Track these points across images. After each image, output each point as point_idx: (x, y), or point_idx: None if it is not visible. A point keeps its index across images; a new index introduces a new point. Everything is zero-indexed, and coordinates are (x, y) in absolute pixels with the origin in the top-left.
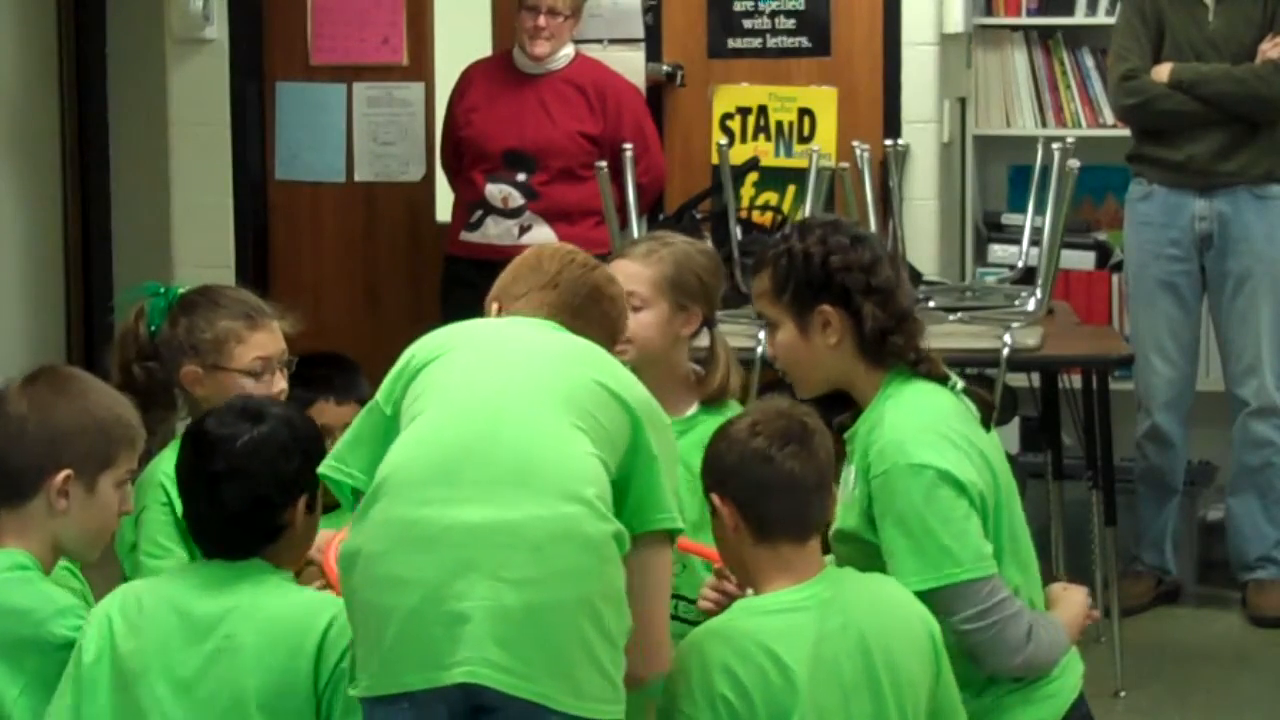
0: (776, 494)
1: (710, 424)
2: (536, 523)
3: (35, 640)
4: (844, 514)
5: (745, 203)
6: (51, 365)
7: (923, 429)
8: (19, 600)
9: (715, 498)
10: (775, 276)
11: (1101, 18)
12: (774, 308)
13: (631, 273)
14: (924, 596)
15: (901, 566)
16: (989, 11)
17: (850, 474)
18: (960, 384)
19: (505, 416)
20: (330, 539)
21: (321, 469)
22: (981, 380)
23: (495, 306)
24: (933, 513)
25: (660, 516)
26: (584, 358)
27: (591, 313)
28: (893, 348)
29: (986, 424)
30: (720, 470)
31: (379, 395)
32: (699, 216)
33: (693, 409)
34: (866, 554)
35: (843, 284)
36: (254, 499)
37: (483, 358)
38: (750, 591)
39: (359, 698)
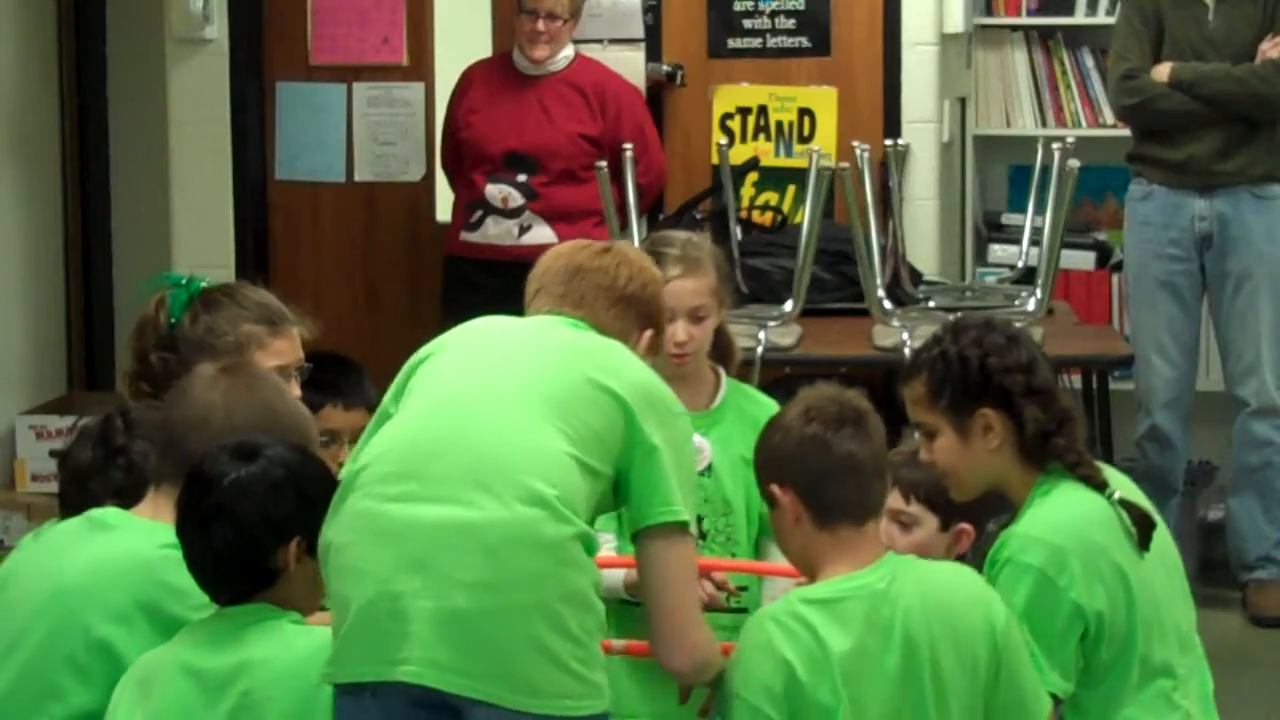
0: (836, 477)
1: (742, 397)
2: (492, 525)
3: (185, 621)
4: None
5: (745, 203)
6: (246, 361)
7: (1053, 530)
8: (177, 579)
9: (775, 488)
10: (931, 382)
11: (1101, 18)
12: (930, 414)
13: (691, 289)
14: None
15: None
16: (989, 11)
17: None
18: (1118, 494)
19: (478, 415)
20: None
21: (340, 475)
22: None
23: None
24: (1030, 618)
25: (661, 510)
26: (577, 353)
27: (588, 295)
28: (1054, 449)
29: (1144, 542)
30: (778, 460)
31: (386, 399)
32: (699, 216)
33: (720, 395)
34: None
35: (1003, 386)
36: (241, 540)
37: (470, 356)
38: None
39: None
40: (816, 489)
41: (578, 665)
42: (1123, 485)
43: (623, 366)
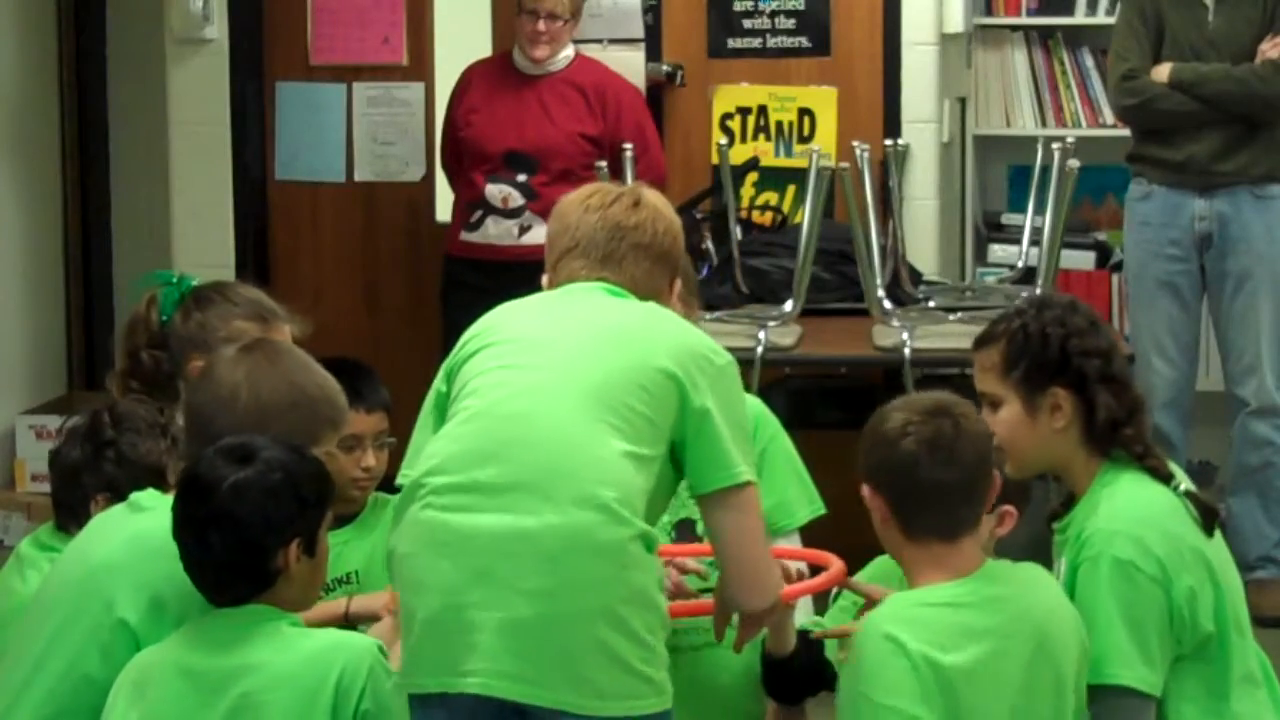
0: (922, 500)
1: None
2: (551, 532)
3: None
4: None
5: (745, 203)
6: (267, 339)
7: (1136, 523)
8: None
9: (867, 490)
10: (1007, 352)
11: (1101, 18)
12: (1001, 384)
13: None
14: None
15: None
16: (989, 11)
17: (1061, 567)
18: (1184, 485)
19: (533, 420)
20: None
21: (399, 480)
22: None
23: (545, 279)
24: (1123, 613)
25: (721, 475)
26: (626, 335)
27: (628, 256)
28: (1124, 439)
29: (1208, 530)
30: (872, 465)
31: (438, 380)
32: (699, 216)
33: None
34: None
35: (1080, 368)
36: (240, 544)
37: (520, 353)
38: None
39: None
40: (903, 506)
41: (642, 665)
42: (1180, 477)
43: (669, 334)
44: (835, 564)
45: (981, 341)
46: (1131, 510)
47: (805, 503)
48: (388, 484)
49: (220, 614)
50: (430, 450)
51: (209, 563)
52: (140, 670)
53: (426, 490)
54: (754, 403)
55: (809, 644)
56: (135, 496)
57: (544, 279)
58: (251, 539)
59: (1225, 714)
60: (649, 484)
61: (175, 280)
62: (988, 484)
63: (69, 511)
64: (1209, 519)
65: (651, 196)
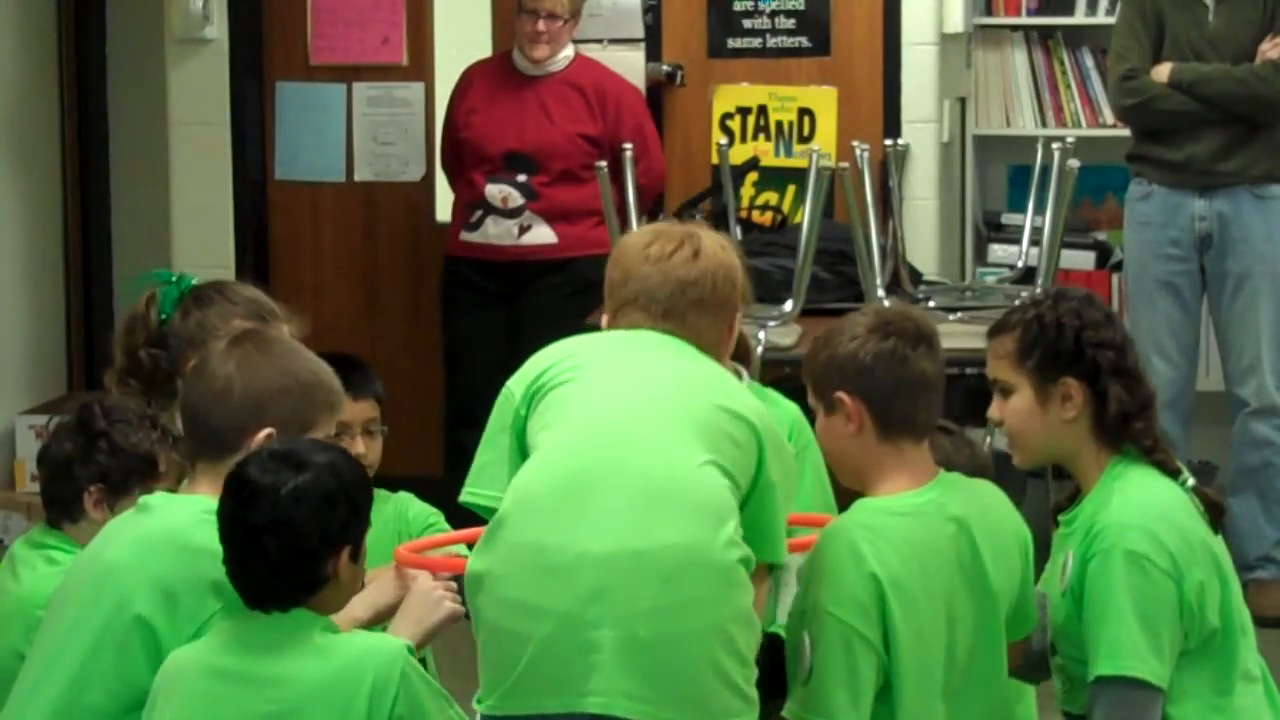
0: (909, 392)
1: (764, 399)
2: (665, 552)
3: (219, 585)
4: (1060, 606)
5: (745, 203)
6: (256, 328)
7: (1148, 516)
8: (214, 543)
9: (843, 395)
10: (1023, 341)
11: (1101, 18)
12: (1014, 372)
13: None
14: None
15: (1090, 648)
16: (989, 11)
17: (1068, 559)
18: (1191, 481)
19: (633, 444)
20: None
21: (463, 498)
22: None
23: (605, 320)
24: (1135, 605)
25: (767, 549)
26: (704, 382)
27: (689, 312)
28: (1133, 433)
29: (1215, 527)
30: (850, 369)
31: (503, 414)
32: (699, 216)
33: None
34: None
35: (1094, 360)
36: (296, 551)
37: (612, 380)
38: None
39: (484, 715)
40: (888, 402)
41: (744, 684)
42: (1186, 474)
43: (747, 398)
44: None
45: (997, 329)
46: (1144, 504)
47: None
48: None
49: (255, 616)
50: (522, 474)
51: (261, 568)
52: (172, 670)
53: (522, 512)
54: (791, 409)
55: (773, 648)
56: (144, 499)
57: (603, 320)
58: (308, 546)
59: (1227, 709)
60: (738, 516)
61: (175, 279)
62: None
63: (61, 507)
64: (1216, 514)
65: (711, 244)
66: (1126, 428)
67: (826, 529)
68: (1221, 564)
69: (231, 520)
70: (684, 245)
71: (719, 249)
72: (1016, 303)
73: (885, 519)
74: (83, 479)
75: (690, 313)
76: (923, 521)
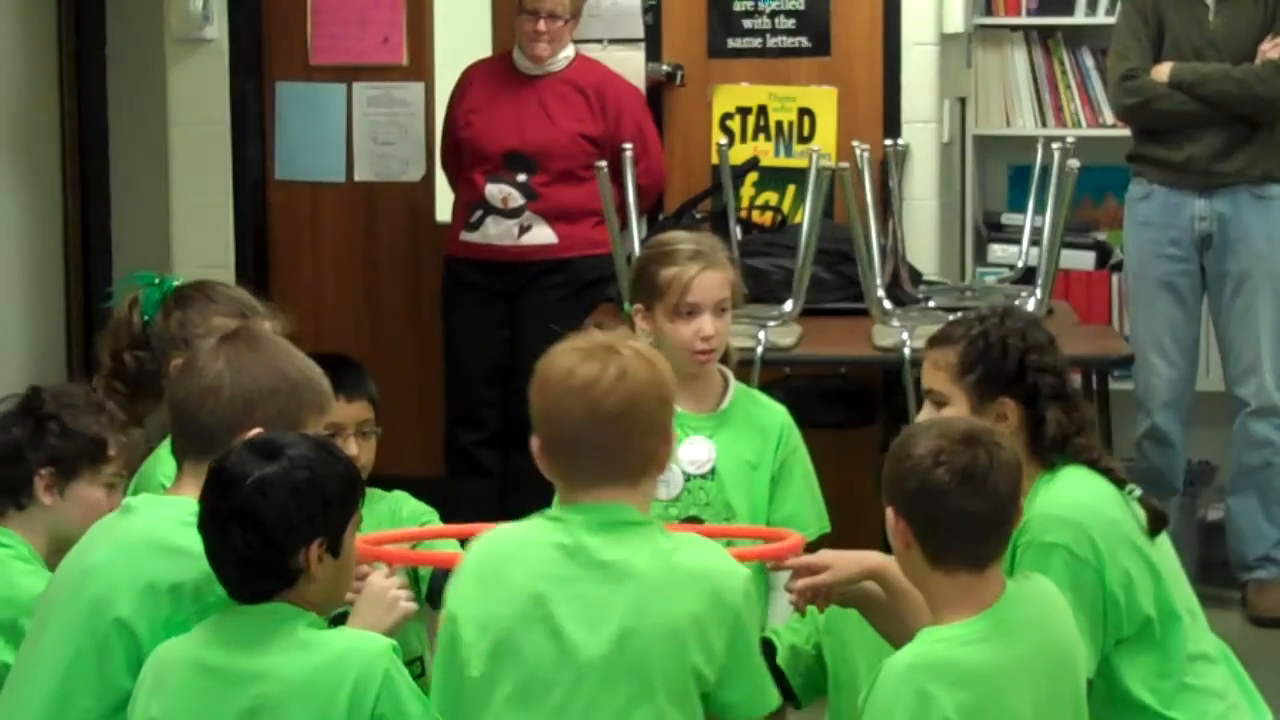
0: (950, 531)
1: (749, 401)
2: None
3: (198, 587)
4: None
5: (745, 203)
6: (246, 326)
7: (1071, 508)
8: (196, 545)
9: (891, 514)
10: (965, 356)
11: (1101, 18)
12: (952, 385)
13: (718, 281)
14: None
15: None
16: (989, 11)
17: None
18: (1138, 492)
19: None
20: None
21: None
22: None
23: (542, 466)
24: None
25: (758, 702)
26: (677, 639)
27: (621, 446)
28: (1074, 449)
29: (1152, 533)
30: (898, 491)
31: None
32: (699, 216)
33: (727, 398)
34: None
35: (1034, 384)
36: (261, 541)
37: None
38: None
39: None
40: (930, 534)
41: None
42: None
43: (714, 626)
44: (793, 538)
45: (940, 340)
46: (1069, 496)
47: (814, 519)
48: (380, 476)
49: (240, 611)
50: None
51: (231, 558)
52: (161, 663)
53: None
54: (780, 411)
55: (766, 651)
56: (127, 500)
57: (540, 463)
58: (272, 536)
59: (1176, 691)
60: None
61: (157, 281)
62: (1017, 514)
63: (9, 492)
64: (1156, 523)
65: (632, 362)
66: (1066, 446)
67: (887, 666)
68: (1149, 555)
69: (205, 508)
70: (608, 370)
71: (641, 366)
72: (966, 312)
73: (945, 649)
74: (33, 462)
75: (636, 461)
76: (989, 647)
